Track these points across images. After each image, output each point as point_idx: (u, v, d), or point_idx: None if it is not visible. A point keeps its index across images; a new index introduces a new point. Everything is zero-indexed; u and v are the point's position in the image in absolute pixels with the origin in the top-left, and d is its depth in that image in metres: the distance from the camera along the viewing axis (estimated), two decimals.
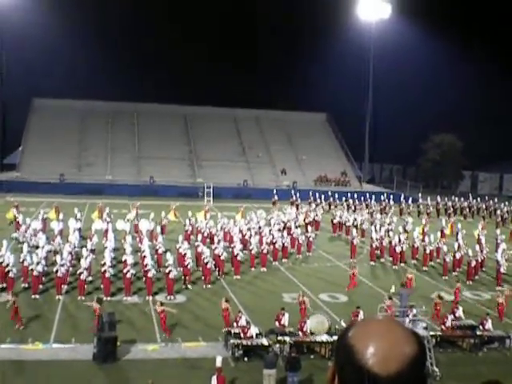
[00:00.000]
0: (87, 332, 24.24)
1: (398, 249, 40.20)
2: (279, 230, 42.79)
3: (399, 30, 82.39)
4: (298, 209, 56.47)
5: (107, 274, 30.10)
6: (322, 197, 61.39)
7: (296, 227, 44.88)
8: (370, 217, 53.71)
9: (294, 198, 61.25)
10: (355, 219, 50.13)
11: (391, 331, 2.01)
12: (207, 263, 33.60)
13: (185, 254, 33.80)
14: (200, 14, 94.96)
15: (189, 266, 33.21)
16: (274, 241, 40.31)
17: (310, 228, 44.80)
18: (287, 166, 77.79)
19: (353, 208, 59.19)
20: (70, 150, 74.07)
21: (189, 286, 32.57)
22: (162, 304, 25.63)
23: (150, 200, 57.34)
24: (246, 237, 40.03)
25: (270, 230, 42.15)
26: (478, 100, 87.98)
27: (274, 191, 62.22)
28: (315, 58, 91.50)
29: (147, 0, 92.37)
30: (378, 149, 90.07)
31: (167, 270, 31.03)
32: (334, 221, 51.31)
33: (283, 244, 40.56)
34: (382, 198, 63.30)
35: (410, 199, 63.40)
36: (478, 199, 64.90)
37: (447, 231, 48.46)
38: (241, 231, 41.30)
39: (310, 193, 62.36)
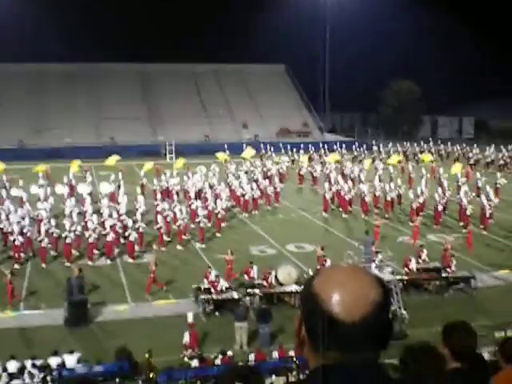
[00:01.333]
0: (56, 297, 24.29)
1: (368, 199, 40.00)
2: (248, 182, 43.20)
3: None
4: (262, 160, 56.58)
5: (68, 240, 30.00)
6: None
7: (264, 179, 45.14)
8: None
9: (265, 150, 61.62)
10: (327, 169, 50.06)
11: (355, 278, 2.05)
12: (200, 222, 33.52)
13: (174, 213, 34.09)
14: None
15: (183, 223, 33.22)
16: (244, 193, 40.77)
17: (276, 179, 45.23)
18: (248, 119, 77.57)
19: (318, 158, 59.47)
20: (27, 114, 72.77)
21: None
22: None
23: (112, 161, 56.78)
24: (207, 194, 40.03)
25: (239, 183, 42.59)
26: (434, 45, 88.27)
27: (225, 146, 61.68)
28: (270, 8, 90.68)
29: None
30: (338, 98, 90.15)
31: (127, 233, 30.81)
32: (301, 172, 51.48)
33: (253, 196, 40.93)
34: (335, 147, 63.91)
35: (365, 146, 64.18)
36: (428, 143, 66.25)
37: (412, 175, 48.60)
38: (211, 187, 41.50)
39: (262, 145, 63.20)
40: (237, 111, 79.39)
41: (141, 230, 32.15)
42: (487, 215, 36.44)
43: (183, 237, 33.17)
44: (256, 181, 44.52)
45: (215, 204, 36.56)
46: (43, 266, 29.30)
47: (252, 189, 41.42)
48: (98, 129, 73.10)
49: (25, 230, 30.67)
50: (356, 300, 1.99)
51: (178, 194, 40.48)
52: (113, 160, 51.33)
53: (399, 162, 55.34)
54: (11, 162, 53.79)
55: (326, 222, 38.96)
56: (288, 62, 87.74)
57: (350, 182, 43.10)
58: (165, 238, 32.81)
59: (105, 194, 39.80)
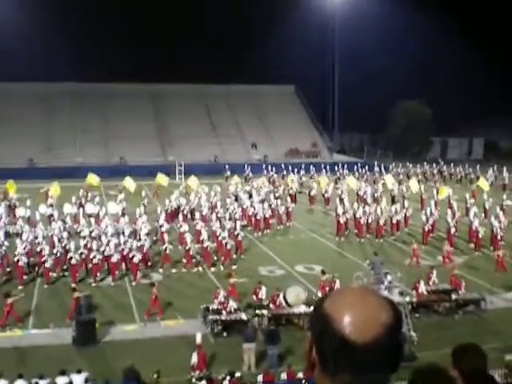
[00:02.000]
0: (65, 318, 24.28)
1: (381, 220, 39.22)
2: (260, 201, 43.54)
3: None
4: (269, 182, 56.71)
5: (73, 261, 29.61)
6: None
7: (275, 198, 45.25)
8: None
9: (266, 171, 61.70)
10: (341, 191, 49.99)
11: (367, 300, 2.05)
12: (226, 243, 33.13)
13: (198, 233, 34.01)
14: None
15: (205, 245, 32.83)
16: (256, 212, 41.01)
17: (288, 199, 45.86)
18: (257, 140, 77.73)
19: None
20: (37, 133, 73.21)
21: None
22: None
23: (122, 180, 56.95)
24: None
25: (251, 203, 42.92)
26: (445, 66, 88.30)
27: (226, 166, 62.29)
28: (280, 30, 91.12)
29: None
30: (348, 119, 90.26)
31: (131, 255, 30.28)
32: (311, 193, 51.09)
33: (264, 215, 41.10)
34: (336, 168, 64.07)
35: (367, 167, 64.26)
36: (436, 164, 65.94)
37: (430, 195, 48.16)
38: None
39: (263, 166, 63.32)
40: (246, 132, 79.61)
41: (167, 251, 32.12)
42: (498, 237, 36.00)
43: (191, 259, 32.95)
44: (264, 200, 44.67)
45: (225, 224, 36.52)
46: (45, 286, 29.12)
47: (263, 208, 41.58)
48: (108, 148, 73.35)
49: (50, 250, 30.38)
50: (367, 321, 1.99)
51: (186, 214, 40.60)
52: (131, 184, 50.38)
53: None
54: (21, 181, 53.91)
55: (336, 243, 38.83)
56: (297, 83, 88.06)
57: (355, 204, 42.15)
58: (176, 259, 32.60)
59: (112, 214, 39.69)
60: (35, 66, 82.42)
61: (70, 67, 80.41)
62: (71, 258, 29.63)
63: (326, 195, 49.74)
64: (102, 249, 30.54)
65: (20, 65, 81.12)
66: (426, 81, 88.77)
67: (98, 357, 21.89)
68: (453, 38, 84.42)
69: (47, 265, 29.55)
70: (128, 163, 69.15)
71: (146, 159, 69.67)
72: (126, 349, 22.26)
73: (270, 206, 43.10)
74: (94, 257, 29.85)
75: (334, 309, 2.03)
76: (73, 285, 28.34)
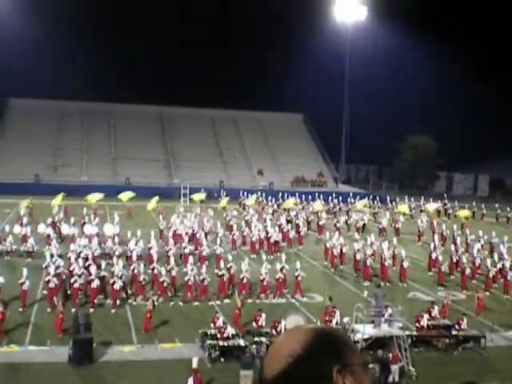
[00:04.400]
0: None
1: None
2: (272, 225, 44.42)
3: (375, 32, 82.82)
4: (263, 209, 56.90)
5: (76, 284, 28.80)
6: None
7: (287, 222, 46.01)
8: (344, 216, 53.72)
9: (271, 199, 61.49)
10: (357, 220, 50.54)
11: (285, 335, 2.13)
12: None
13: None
14: (174, 16, 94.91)
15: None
16: (269, 236, 41.68)
17: (300, 223, 47.21)
18: (264, 166, 77.78)
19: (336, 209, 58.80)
20: (45, 150, 73.50)
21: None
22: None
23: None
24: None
25: (265, 226, 43.47)
26: (453, 103, 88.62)
27: (202, 190, 62.08)
28: (292, 59, 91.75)
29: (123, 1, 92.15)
30: (354, 150, 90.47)
31: (112, 280, 28.99)
32: (320, 223, 49.98)
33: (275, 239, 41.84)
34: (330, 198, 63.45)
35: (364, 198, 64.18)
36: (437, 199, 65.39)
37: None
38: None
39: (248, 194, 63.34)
40: (253, 158, 79.69)
41: (173, 273, 31.29)
42: (509, 277, 34.69)
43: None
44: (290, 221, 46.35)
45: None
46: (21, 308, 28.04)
47: (275, 231, 42.47)
48: (115, 168, 73.51)
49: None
50: (272, 357, 2.06)
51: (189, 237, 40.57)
52: (126, 195, 50.36)
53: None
54: (27, 197, 53.99)
55: (338, 273, 38.59)
56: (306, 112, 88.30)
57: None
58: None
59: (108, 236, 39.47)
60: (46, 83, 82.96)
61: (81, 86, 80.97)
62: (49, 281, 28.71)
63: (337, 225, 48.48)
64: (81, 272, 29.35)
65: (31, 82, 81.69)
66: (435, 115, 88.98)
67: (94, 377, 21.75)
68: (463, 73, 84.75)
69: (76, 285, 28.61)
70: (133, 184, 69.12)
71: (152, 181, 69.75)
72: (121, 370, 22.12)
73: (282, 229, 43.99)
74: (75, 281, 28.62)
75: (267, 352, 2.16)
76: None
